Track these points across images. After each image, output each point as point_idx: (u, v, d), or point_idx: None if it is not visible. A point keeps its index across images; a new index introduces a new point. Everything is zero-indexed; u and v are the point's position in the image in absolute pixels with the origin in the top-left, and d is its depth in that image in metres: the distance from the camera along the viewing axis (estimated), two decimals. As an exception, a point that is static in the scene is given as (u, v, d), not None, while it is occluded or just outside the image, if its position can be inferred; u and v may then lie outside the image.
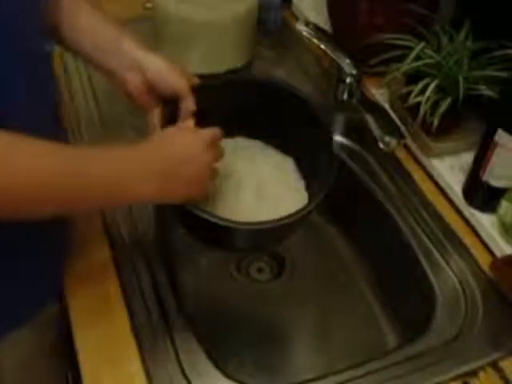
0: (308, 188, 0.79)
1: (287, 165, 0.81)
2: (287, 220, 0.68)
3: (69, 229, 0.74)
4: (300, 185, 0.80)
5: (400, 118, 0.98)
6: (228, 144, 0.80)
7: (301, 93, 0.79)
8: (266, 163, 0.80)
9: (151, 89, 0.71)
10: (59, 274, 0.74)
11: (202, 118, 0.72)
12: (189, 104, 0.71)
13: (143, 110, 0.73)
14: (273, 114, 0.80)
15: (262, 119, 0.80)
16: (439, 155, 0.95)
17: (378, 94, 1.06)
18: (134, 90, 0.71)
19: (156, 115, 0.72)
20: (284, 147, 0.82)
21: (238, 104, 0.76)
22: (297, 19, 1.25)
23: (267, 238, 0.75)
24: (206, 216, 0.65)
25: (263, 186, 0.77)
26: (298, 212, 0.69)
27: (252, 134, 0.82)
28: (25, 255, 0.64)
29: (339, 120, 1.05)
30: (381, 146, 0.87)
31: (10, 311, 0.67)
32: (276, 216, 0.67)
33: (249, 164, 0.79)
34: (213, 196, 0.73)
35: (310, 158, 0.79)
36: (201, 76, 1.12)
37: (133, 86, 0.70)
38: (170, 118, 0.72)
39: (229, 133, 0.80)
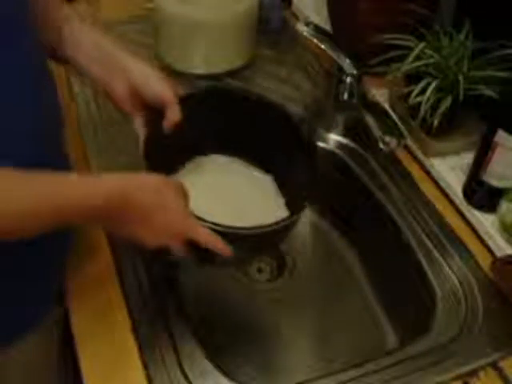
0: (287, 206, 0.79)
1: (266, 182, 0.81)
2: (284, 223, 0.68)
3: (70, 230, 0.74)
4: (281, 202, 0.79)
5: (400, 118, 0.98)
6: (205, 162, 0.80)
7: (284, 108, 0.79)
8: (244, 181, 0.80)
9: (136, 95, 0.71)
10: (62, 276, 0.74)
11: (181, 132, 0.72)
12: (173, 113, 0.71)
13: (129, 116, 0.74)
14: (252, 130, 0.79)
15: (240, 135, 0.79)
16: (439, 155, 0.95)
17: (378, 94, 1.06)
18: (119, 96, 0.71)
19: (138, 123, 0.73)
20: (263, 165, 0.82)
21: (216, 119, 0.76)
22: (297, 19, 1.25)
23: (254, 246, 0.73)
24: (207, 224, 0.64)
25: (243, 204, 0.77)
26: (287, 219, 0.69)
27: (229, 151, 0.82)
28: (27, 257, 0.64)
29: (339, 120, 1.05)
30: (381, 146, 0.87)
31: (16, 317, 0.67)
32: None
33: (228, 181, 0.79)
34: None
35: (290, 176, 0.79)
36: (200, 76, 1.12)
37: (117, 92, 0.71)
38: (155, 126, 0.72)
39: (205, 149, 0.81)
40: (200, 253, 0.66)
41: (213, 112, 0.74)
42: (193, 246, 0.64)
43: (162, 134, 0.71)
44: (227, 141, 0.80)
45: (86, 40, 0.71)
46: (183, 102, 0.72)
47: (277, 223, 0.67)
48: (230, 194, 0.78)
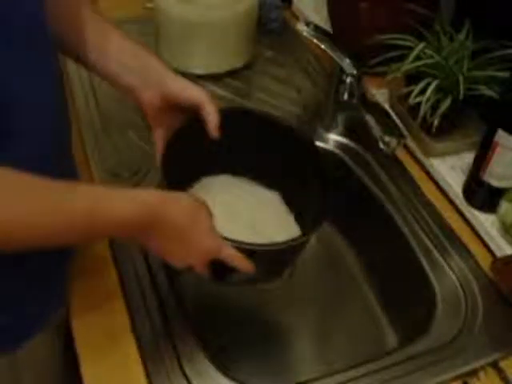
0: (298, 221, 0.80)
1: (275, 200, 0.82)
2: (301, 239, 0.70)
3: None
4: (291, 219, 0.80)
5: (400, 118, 0.98)
6: (214, 182, 0.81)
7: (290, 125, 0.80)
8: (254, 200, 0.81)
9: (166, 103, 0.71)
10: (66, 277, 0.74)
11: (187, 154, 0.72)
12: (214, 116, 0.71)
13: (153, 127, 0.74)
14: (258, 148, 0.80)
15: (247, 155, 0.80)
16: (439, 155, 0.95)
17: (379, 94, 1.06)
18: (147, 102, 0.71)
19: (159, 133, 0.73)
20: (269, 182, 0.83)
21: (227, 139, 0.75)
22: (297, 19, 1.25)
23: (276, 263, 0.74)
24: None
25: (255, 223, 0.77)
26: (299, 237, 0.72)
27: (237, 171, 0.82)
28: (33, 259, 0.63)
29: (339, 120, 1.05)
30: (381, 145, 0.87)
31: (24, 319, 0.67)
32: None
33: (238, 201, 0.80)
34: None
35: (299, 191, 0.79)
36: (200, 76, 1.12)
37: (146, 98, 0.71)
38: (174, 141, 0.72)
39: (214, 170, 0.81)
40: (219, 271, 0.67)
41: (225, 132, 0.74)
42: (213, 264, 0.65)
43: (179, 150, 0.71)
44: (235, 160, 0.81)
45: (109, 40, 0.71)
46: (197, 122, 0.72)
47: (294, 240, 0.69)
48: (240, 213, 0.79)
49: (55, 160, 0.63)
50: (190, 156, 0.73)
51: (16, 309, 0.65)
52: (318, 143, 1.00)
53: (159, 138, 0.73)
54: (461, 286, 0.82)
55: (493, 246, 0.85)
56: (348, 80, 0.97)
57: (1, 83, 0.52)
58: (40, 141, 0.59)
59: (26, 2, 0.54)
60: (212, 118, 0.71)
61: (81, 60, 0.72)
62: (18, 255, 0.57)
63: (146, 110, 0.72)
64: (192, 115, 0.72)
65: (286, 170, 0.80)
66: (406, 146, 0.98)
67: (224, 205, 0.77)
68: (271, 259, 0.70)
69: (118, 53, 0.71)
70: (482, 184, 0.86)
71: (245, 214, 0.79)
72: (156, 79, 0.70)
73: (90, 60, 0.71)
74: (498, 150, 0.81)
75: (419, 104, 0.89)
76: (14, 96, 0.54)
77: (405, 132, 0.95)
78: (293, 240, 0.69)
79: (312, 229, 0.71)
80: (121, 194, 0.58)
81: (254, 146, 0.79)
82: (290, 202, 0.82)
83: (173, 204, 0.60)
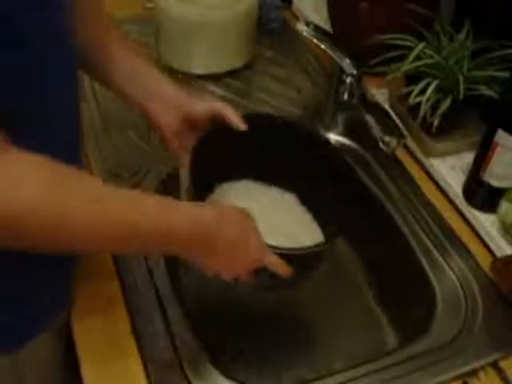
0: (316, 220, 0.82)
1: (293, 201, 0.84)
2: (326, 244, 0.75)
3: None
4: (309, 217, 0.83)
5: (400, 118, 0.98)
6: (235, 187, 0.82)
7: (307, 128, 0.84)
8: (273, 203, 0.83)
9: (186, 122, 0.73)
10: (69, 277, 0.74)
11: (211, 159, 0.73)
12: (231, 112, 0.73)
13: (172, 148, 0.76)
14: (277, 152, 0.81)
15: (266, 159, 0.81)
16: (439, 155, 0.95)
17: (379, 94, 1.06)
18: (168, 128, 0.73)
19: (185, 160, 0.74)
20: (287, 184, 0.84)
21: (242, 145, 0.76)
22: (297, 19, 1.25)
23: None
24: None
25: (277, 225, 0.78)
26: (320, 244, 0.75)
27: (258, 176, 0.84)
28: (33, 259, 0.63)
29: (339, 120, 1.05)
30: (381, 145, 0.87)
31: (26, 319, 0.67)
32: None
33: (258, 206, 0.81)
34: None
35: (314, 191, 0.81)
36: (200, 76, 1.12)
37: (167, 121, 0.73)
38: (200, 149, 0.73)
39: (235, 176, 0.82)
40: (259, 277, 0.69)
41: (244, 138, 0.74)
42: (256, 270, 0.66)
43: (204, 158, 0.72)
44: (256, 165, 0.82)
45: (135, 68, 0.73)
46: (219, 130, 0.74)
47: (325, 243, 0.74)
48: (263, 218, 0.79)
49: (71, 147, 0.64)
50: (213, 163, 0.74)
51: (17, 309, 0.65)
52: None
53: (182, 153, 0.75)
54: (461, 285, 0.82)
55: (493, 246, 0.85)
56: (348, 80, 0.97)
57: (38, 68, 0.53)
58: (66, 127, 0.60)
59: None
60: (233, 116, 0.73)
61: (99, 79, 0.75)
62: (18, 255, 0.57)
63: (164, 133, 0.74)
64: (209, 127, 0.74)
65: (302, 172, 0.81)
66: (406, 146, 0.98)
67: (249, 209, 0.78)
68: (305, 263, 0.72)
69: (132, 76, 0.73)
70: (482, 184, 0.86)
71: (268, 217, 0.79)
72: (168, 103, 0.73)
73: (115, 83, 0.73)
74: (498, 150, 0.81)
75: (419, 104, 0.89)
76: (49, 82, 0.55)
77: (405, 132, 0.95)
78: (325, 243, 0.74)
79: (336, 232, 0.75)
80: (180, 209, 0.58)
81: (272, 150, 0.80)
82: (308, 202, 0.83)
83: (227, 219, 0.61)
